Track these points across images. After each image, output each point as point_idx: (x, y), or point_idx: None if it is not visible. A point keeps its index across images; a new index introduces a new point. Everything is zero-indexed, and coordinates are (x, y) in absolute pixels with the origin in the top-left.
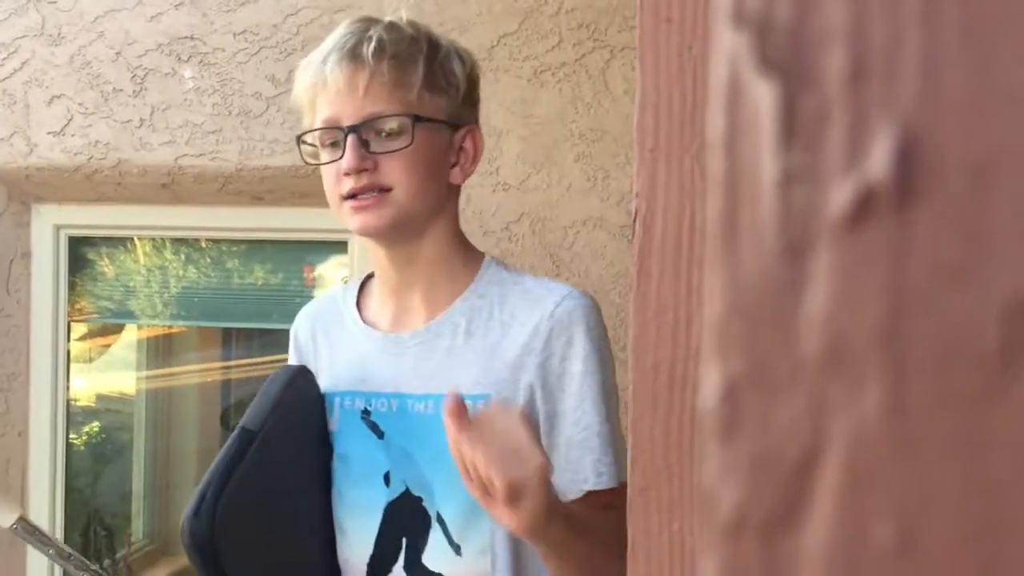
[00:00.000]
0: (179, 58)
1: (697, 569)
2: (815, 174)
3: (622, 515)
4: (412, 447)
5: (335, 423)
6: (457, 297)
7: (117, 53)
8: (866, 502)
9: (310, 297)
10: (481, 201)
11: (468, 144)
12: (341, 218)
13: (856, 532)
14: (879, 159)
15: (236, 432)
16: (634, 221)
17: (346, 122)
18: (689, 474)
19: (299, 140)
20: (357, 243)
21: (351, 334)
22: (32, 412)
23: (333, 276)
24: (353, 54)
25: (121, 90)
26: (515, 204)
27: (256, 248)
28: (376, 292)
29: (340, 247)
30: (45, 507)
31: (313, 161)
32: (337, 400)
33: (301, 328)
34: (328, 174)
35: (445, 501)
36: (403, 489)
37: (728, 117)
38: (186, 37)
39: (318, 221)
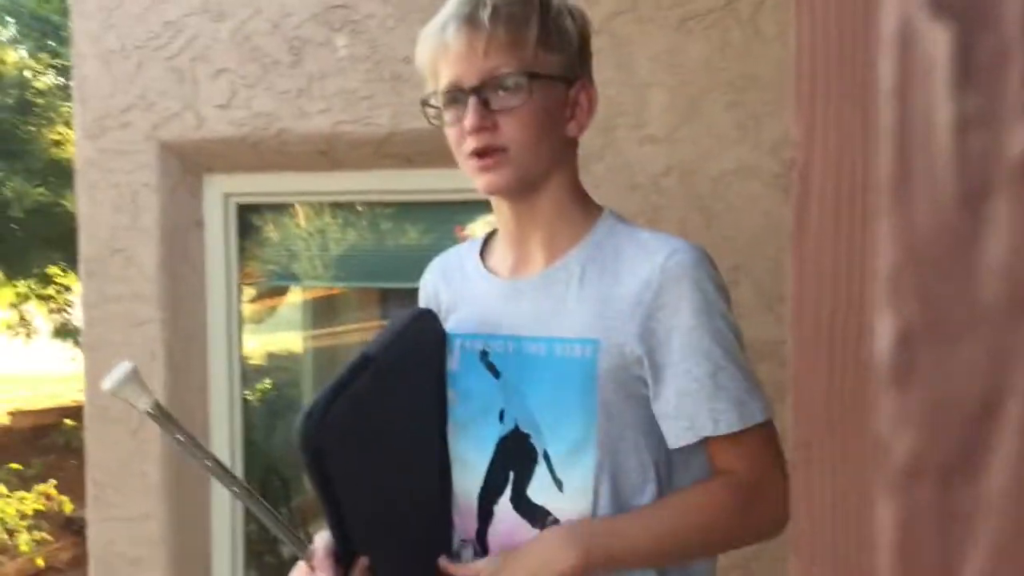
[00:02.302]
0: (332, 27)
1: (872, 519)
2: (994, 119)
3: (748, 456)
4: (525, 386)
5: (455, 363)
6: (575, 246)
7: (274, 26)
8: None
9: None
10: (628, 154)
11: (583, 98)
12: (469, 175)
13: None
14: None
15: (356, 357)
16: (792, 172)
17: (467, 83)
18: (854, 429)
19: (424, 104)
20: None
21: (472, 281)
22: (210, 370)
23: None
24: (471, 19)
25: (279, 61)
26: (663, 156)
27: (408, 210)
28: (499, 243)
29: (488, 206)
30: (225, 457)
31: (438, 123)
32: (458, 341)
33: (427, 280)
34: (452, 134)
35: (551, 439)
36: (513, 426)
37: (900, 64)
38: (338, 6)
39: (467, 182)
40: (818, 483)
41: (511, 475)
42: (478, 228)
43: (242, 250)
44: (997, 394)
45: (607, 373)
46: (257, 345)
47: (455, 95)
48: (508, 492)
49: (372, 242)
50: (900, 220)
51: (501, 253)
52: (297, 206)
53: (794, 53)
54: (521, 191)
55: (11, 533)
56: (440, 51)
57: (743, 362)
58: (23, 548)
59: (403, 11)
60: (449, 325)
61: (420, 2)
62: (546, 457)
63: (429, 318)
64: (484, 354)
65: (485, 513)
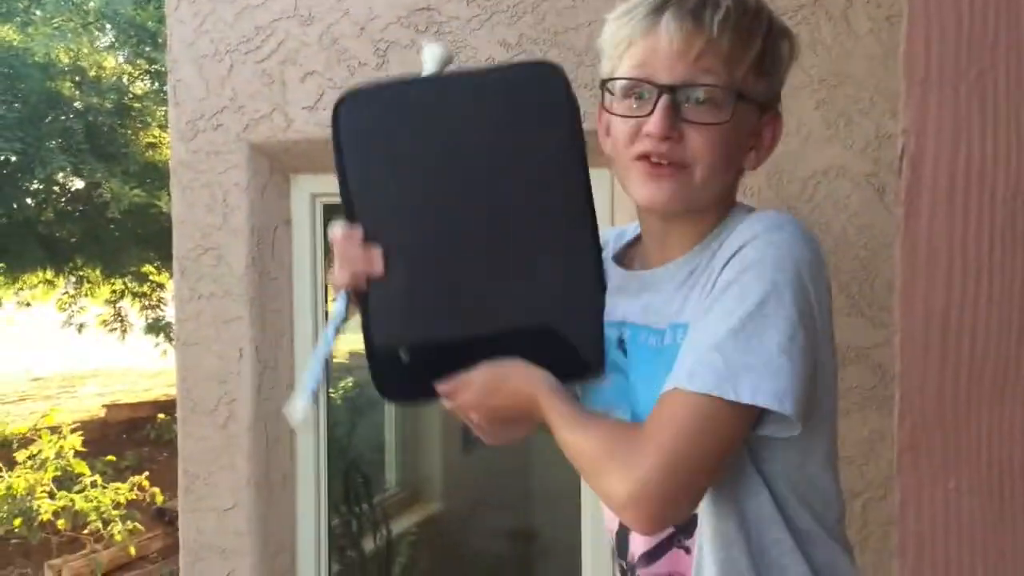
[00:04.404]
0: (417, 29)
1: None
2: None
3: (677, 420)
4: (634, 376)
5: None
6: (692, 248)
7: (361, 29)
8: None
9: None
10: None
11: (768, 132)
12: (624, 176)
13: None
14: None
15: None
16: (900, 159)
17: (664, 80)
18: (966, 429)
19: (604, 86)
20: None
21: (608, 267)
22: (297, 368)
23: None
24: (696, 15)
25: (366, 64)
26: None
27: None
28: (641, 240)
29: None
30: (311, 456)
31: (609, 109)
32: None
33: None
34: (624, 127)
35: None
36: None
37: None
38: (423, 8)
39: None
40: (928, 485)
41: None
42: None
43: (328, 249)
44: None
45: None
46: (341, 344)
47: (642, 88)
48: None
49: None
50: None
51: (640, 248)
52: None
53: (905, 37)
54: (681, 214)
55: (106, 523)
56: (644, 35)
57: (768, 340)
58: (117, 537)
59: (487, 12)
60: None
61: (504, 3)
62: None
63: (554, 77)
64: (620, 343)
65: None
